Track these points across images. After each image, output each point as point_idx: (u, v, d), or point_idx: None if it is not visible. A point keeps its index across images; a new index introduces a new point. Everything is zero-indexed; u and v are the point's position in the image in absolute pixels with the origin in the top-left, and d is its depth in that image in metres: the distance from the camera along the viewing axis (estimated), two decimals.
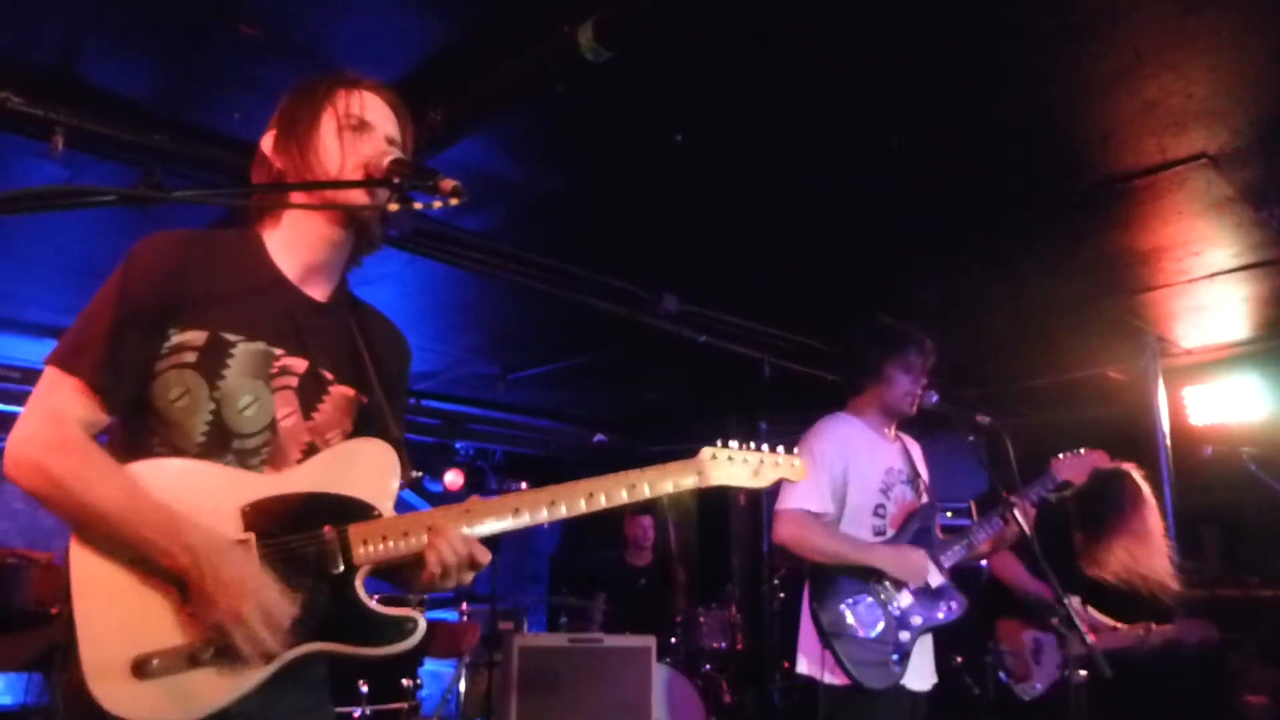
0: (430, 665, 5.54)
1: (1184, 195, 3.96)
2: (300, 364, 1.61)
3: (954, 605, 3.13)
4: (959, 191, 4.03)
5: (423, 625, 1.54)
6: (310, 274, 1.67)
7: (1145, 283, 4.99)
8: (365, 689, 4.40)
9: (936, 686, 3.18)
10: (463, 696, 5.45)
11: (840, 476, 3.14)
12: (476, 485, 8.81)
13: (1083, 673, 3.35)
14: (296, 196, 1.67)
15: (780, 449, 1.97)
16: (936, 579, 3.11)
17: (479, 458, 9.09)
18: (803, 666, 3.09)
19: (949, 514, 4.93)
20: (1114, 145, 3.59)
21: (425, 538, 1.55)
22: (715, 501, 8.88)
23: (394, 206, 1.58)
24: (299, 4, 2.90)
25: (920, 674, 3.09)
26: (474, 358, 6.72)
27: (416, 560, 1.56)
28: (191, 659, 1.38)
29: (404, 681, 4.70)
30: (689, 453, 1.85)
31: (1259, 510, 5.70)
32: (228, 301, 1.56)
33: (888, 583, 3.06)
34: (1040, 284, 4.96)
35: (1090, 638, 2.98)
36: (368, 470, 1.61)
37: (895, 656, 2.99)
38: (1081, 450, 3.32)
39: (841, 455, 3.15)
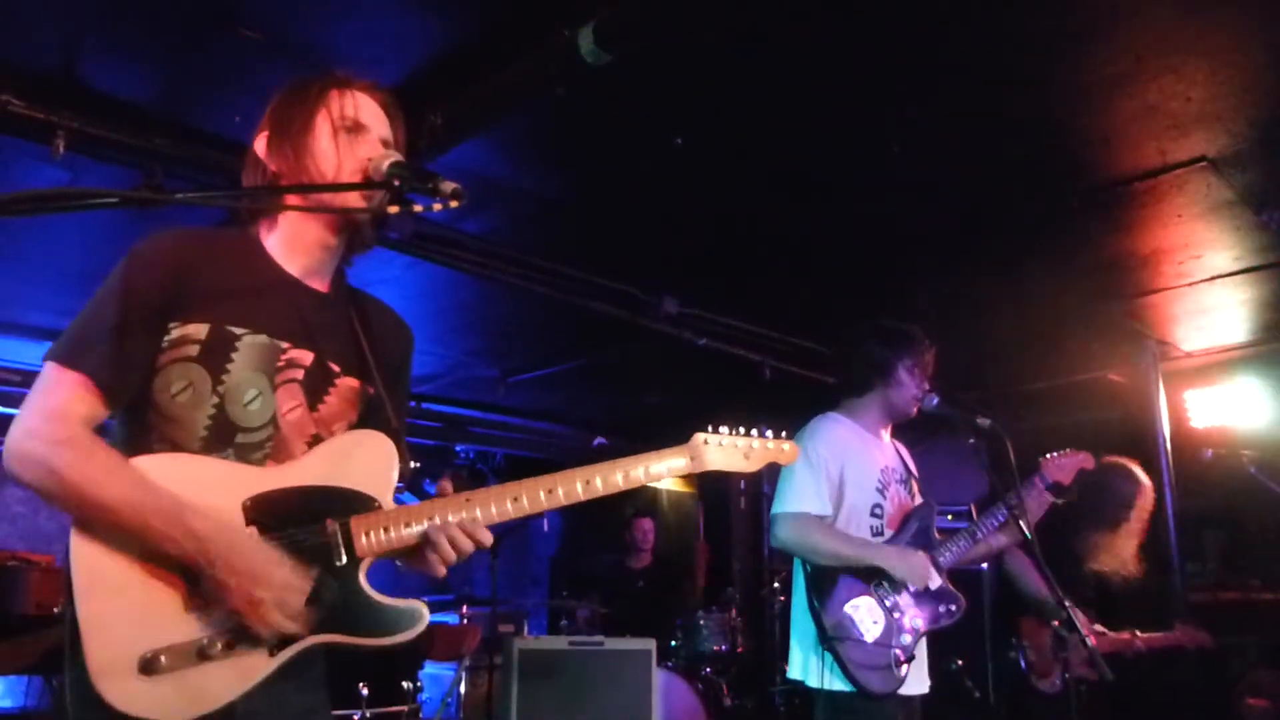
0: (430, 668, 5.53)
1: (1184, 198, 3.96)
2: (307, 356, 1.62)
3: (954, 607, 3.11)
4: (959, 195, 4.03)
5: (427, 613, 1.56)
6: (309, 271, 1.68)
7: (1146, 286, 4.99)
8: (365, 691, 4.37)
9: (936, 690, 3.17)
10: (463, 699, 5.45)
11: (837, 477, 3.12)
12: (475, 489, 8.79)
13: (1086, 674, 3.35)
14: (296, 199, 1.67)
15: (769, 432, 1.99)
16: (936, 581, 3.10)
17: (479, 460, 9.09)
18: (795, 670, 3.07)
19: (949, 517, 4.93)
20: (1114, 148, 3.59)
21: (427, 524, 1.56)
22: (716, 505, 8.88)
23: (394, 209, 1.58)
24: (299, 7, 2.90)
25: (917, 678, 3.08)
26: (474, 361, 6.71)
27: (419, 547, 1.57)
28: (200, 653, 1.39)
29: (404, 684, 4.68)
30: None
31: (1260, 513, 5.69)
32: (231, 295, 1.56)
33: (888, 585, 3.05)
34: (1041, 287, 4.96)
35: (1091, 640, 2.97)
36: (367, 462, 1.61)
37: (897, 660, 2.98)
38: (1068, 450, 3.34)
39: (838, 456, 3.14)
